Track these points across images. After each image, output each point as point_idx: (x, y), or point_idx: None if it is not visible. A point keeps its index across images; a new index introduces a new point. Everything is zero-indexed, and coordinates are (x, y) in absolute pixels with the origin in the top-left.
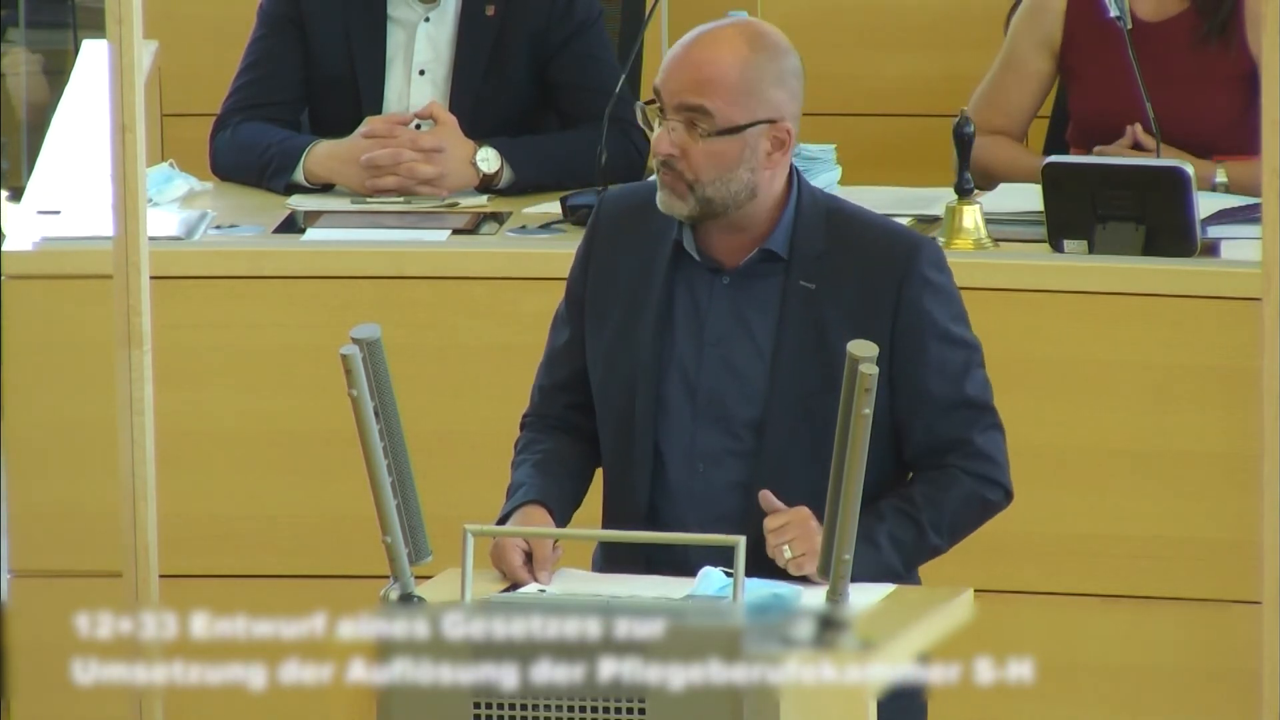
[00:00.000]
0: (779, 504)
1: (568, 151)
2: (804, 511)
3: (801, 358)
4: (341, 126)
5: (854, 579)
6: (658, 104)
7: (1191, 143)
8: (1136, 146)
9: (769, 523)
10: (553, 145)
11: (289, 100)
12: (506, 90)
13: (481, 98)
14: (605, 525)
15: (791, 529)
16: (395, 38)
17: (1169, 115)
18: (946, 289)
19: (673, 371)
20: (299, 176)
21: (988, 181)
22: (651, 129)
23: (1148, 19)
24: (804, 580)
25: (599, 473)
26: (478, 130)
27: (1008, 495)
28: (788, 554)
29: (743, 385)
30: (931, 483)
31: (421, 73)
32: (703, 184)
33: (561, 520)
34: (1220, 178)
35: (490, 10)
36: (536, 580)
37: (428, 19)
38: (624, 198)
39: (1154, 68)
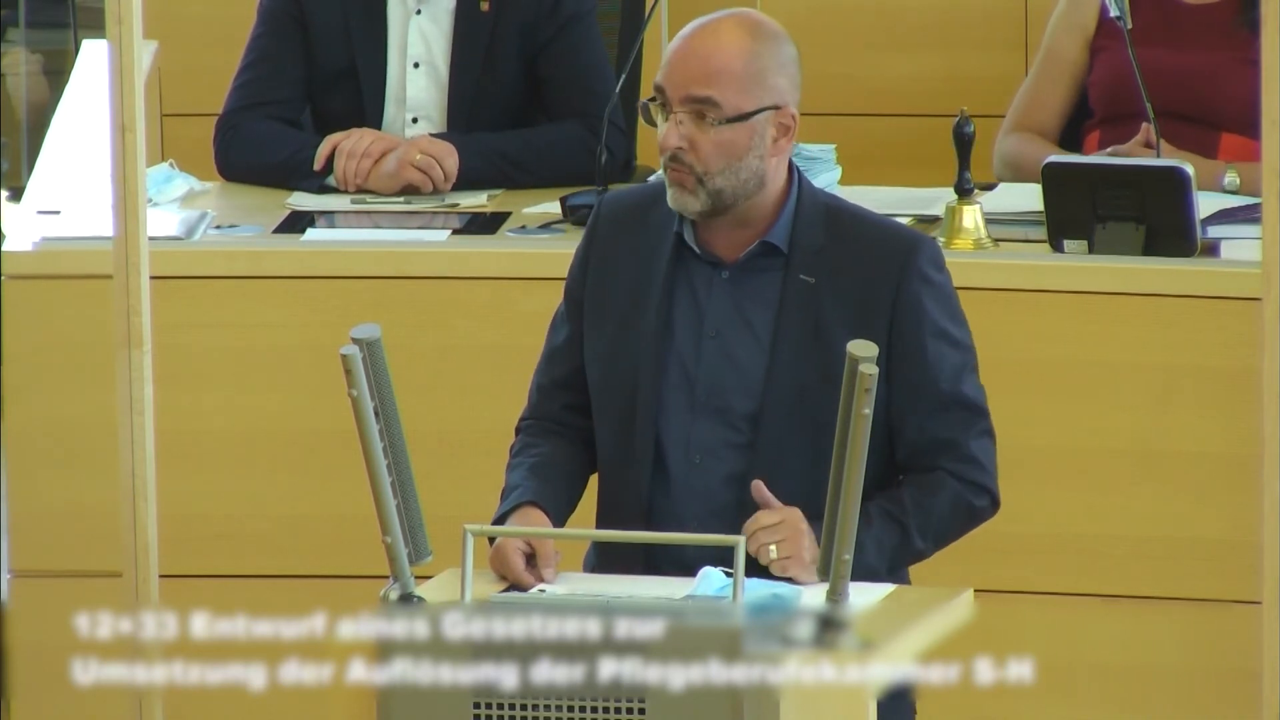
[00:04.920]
0: (772, 498)
1: (521, 148)
2: (797, 513)
3: (799, 351)
4: (345, 121)
5: None
6: (660, 100)
7: (1206, 119)
8: (1149, 145)
9: (761, 517)
10: (503, 142)
11: (291, 98)
12: (501, 85)
13: (478, 92)
14: (602, 525)
15: (782, 529)
16: (393, 30)
17: (1188, 89)
18: (945, 288)
19: (672, 365)
20: (332, 180)
21: (1018, 179)
22: (654, 125)
23: (1189, 0)
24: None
25: (593, 478)
26: (475, 125)
27: (995, 504)
28: (773, 553)
29: (742, 378)
30: (920, 486)
31: (416, 65)
32: (712, 175)
33: (556, 524)
34: (1230, 177)
35: (485, 5)
36: (541, 581)
37: (419, 11)
38: (624, 199)
39: (1185, 47)
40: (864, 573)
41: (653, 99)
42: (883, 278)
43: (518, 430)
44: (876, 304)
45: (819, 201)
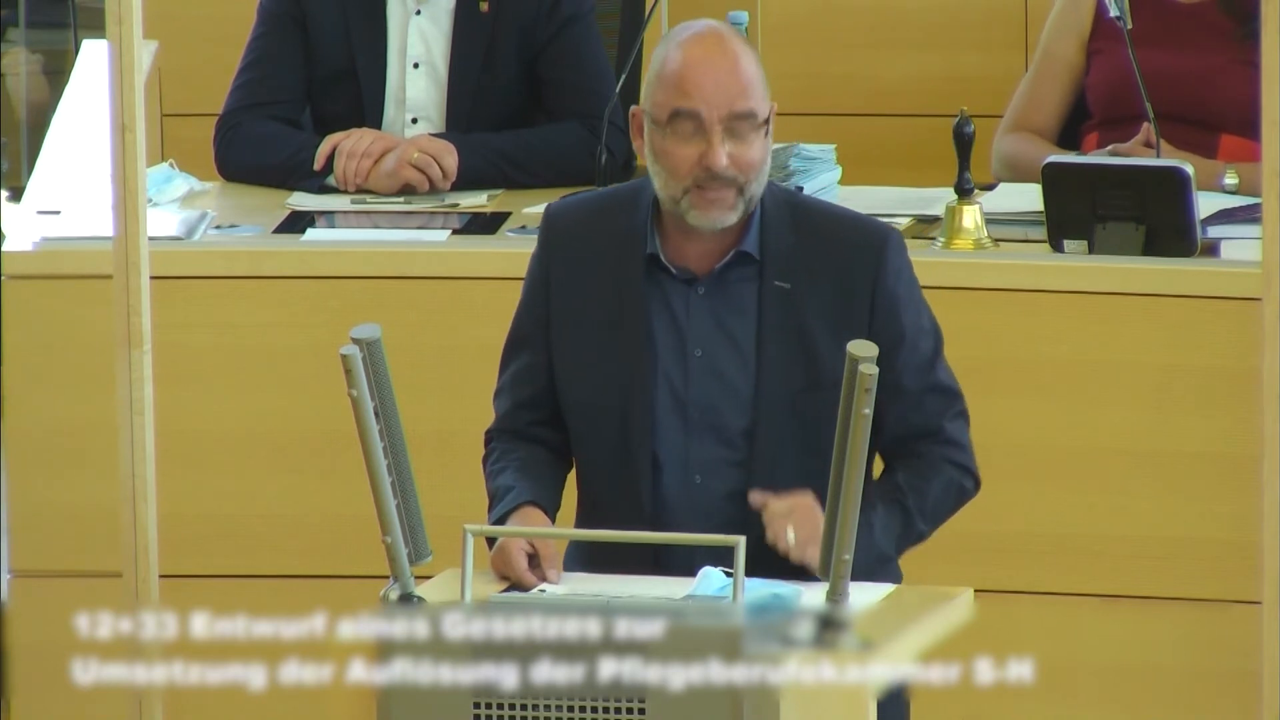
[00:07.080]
0: (773, 497)
1: (520, 148)
2: (808, 498)
3: (784, 359)
4: (344, 121)
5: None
6: (689, 126)
7: (1205, 120)
8: (1149, 144)
9: (774, 506)
10: (502, 142)
11: (291, 98)
12: (501, 85)
13: (478, 93)
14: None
15: (797, 513)
16: (393, 31)
17: (1186, 91)
18: (913, 277)
19: (660, 387)
20: (332, 180)
21: (1015, 179)
22: (667, 150)
23: (1187, 2)
24: (804, 576)
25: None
26: (475, 125)
27: (977, 483)
28: (791, 537)
29: (733, 393)
30: (913, 470)
31: (416, 66)
32: (749, 184)
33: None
34: (1230, 179)
35: (484, 5)
36: (546, 580)
37: (419, 12)
38: (571, 212)
39: (1183, 49)
40: (875, 555)
41: (677, 120)
42: (858, 275)
43: (488, 440)
44: (855, 302)
45: (780, 199)
